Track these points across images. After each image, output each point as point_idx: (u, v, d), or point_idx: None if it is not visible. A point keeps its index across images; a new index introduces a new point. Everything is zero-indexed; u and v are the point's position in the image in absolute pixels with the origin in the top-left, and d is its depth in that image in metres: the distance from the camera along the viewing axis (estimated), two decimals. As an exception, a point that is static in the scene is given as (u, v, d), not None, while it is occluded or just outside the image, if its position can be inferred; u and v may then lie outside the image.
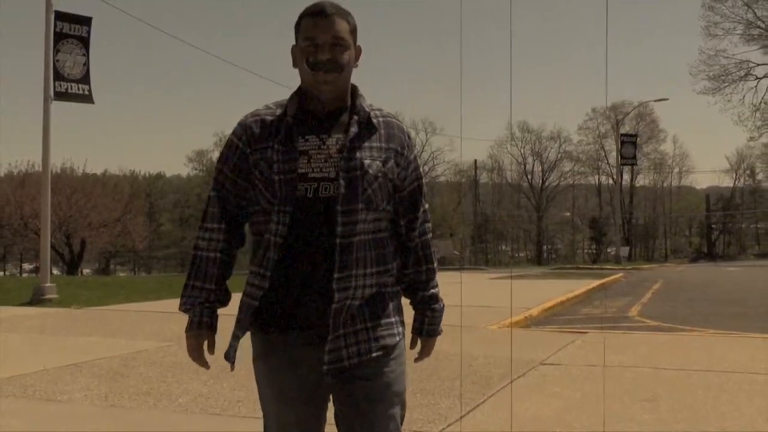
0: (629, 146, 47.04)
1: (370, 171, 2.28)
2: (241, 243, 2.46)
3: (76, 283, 20.43)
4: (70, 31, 14.57)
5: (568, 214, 76.18)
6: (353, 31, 2.36)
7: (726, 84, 51.04)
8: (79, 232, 36.98)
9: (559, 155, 72.65)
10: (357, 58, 2.39)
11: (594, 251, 70.53)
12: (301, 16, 2.34)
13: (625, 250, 51.09)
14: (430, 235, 2.55)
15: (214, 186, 2.43)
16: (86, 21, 14.87)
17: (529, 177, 73.26)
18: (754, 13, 49.25)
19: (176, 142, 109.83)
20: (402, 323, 2.43)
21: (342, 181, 2.25)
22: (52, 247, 26.48)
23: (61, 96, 14.42)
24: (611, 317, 13.00)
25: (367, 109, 2.37)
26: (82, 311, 12.64)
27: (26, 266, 50.94)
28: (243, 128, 2.37)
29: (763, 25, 49.27)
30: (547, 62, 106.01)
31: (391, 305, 2.39)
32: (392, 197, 2.39)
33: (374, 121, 2.36)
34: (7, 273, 48.68)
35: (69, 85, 14.51)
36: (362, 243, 2.29)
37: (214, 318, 2.39)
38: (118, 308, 13.12)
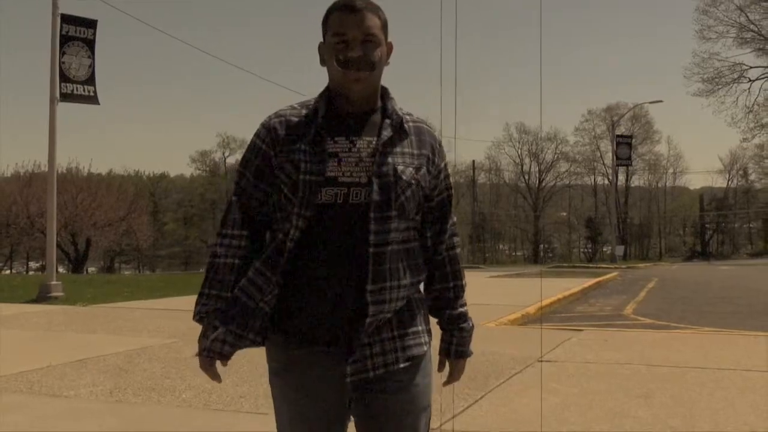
0: (624, 147, 47.11)
1: (404, 177, 2.11)
2: (262, 252, 2.23)
3: (81, 281, 20.44)
4: (76, 34, 14.59)
5: (565, 213, 76.19)
6: (384, 27, 2.17)
7: (719, 86, 51.16)
8: (85, 231, 37.02)
9: (555, 156, 72.82)
10: (388, 54, 2.21)
11: (590, 250, 70.58)
12: (329, 11, 2.16)
13: (620, 249, 51.01)
14: (458, 250, 2.34)
15: (235, 191, 2.22)
16: (91, 23, 14.89)
17: (526, 177, 73.37)
18: (747, 17, 49.32)
19: (180, 143, 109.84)
20: (429, 332, 2.26)
21: (375, 187, 2.06)
22: (58, 245, 26.47)
23: (66, 97, 14.44)
24: (607, 315, 13.01)
25: (400, 113, 2.20)
26: (87, 309, 12.64)
27: (32, 264, 50.89)
28: (267, 130, 2.17)
29: (755, 29, 49.33)
30: (545, 64, 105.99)
31: (418, 312, 2.22)
32: (422, 207, 2.21)
33: (405, 126, 2.18)
34: (14, 271, 48.67)
35: (74, 86, 14.53)
36: (395, 253, 2.11)
37: None
38: (123, 306, 13.12)
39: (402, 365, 2.14)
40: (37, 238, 34.88)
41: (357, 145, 2.11)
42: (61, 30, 14.35)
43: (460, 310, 2.31)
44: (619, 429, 4.89)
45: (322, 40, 2.20)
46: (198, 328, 2.22)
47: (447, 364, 2.36)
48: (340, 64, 2.10)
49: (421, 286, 2.28)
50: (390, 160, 2.10)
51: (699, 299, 16.18)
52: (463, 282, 2.34)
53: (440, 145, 2.27)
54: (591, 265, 42.03)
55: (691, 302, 15.47)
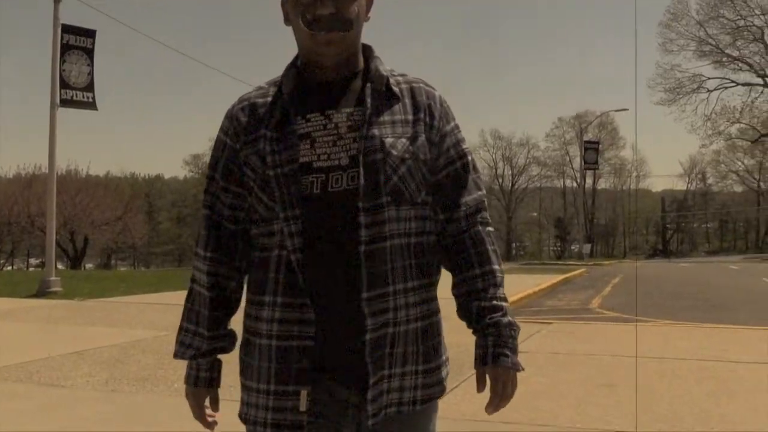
0: (592, 152, 47.31)
1: (394, 152, 1.58)
2: (247, 269, 1.72)
3: (79, 276, 20.29)
4: (76, 43, 14.49)
5: (536, 214, 76.55)
6: None
7: (680, 96, 51.73)
8: (83, 229, 36.74)
9: (527, 160, 73.25)
10: (368, 7, 1.68)
11: (559, 248, 71.00)
12: None
13: (587, 248, 51.37)
14: (488, 228, 1.74)
15: (204, 200, 1.72)
16: (91, 33, 14.79)
17: (500, 180, 73.65)
18: (706, 32, 49.85)
19: (174, 146, 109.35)
20: (446, 362, 1.76)
21: (361, 169, 1.55)
22: (57, 243, 26.22)
23: (66, 103, 14.33)
24: (574, 309, 13.07)
25: (385, 73, 1.66)
26: (84, 303, 12.54)
27: (33, 261, 50.41)
28: (229, 120, 1.68)
29: (713, 43, 49.87)
30: (522, 73, 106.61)
31: (440, 338, 1.73)
32: (429, 184, 1.66)
33: (395, 89, 1.65)
34: (15, 267, 48.20)
35: (74, 92, 14.42)
36: (397, 249, 1.58)
37: (213, 371, 1.77)
38: (119, 300, 13.03)
39: (418, 408, 1.65)
40: (37, 236, 34.55)
41: (334, 120, 1.60)
42: (61, 39, 14.25)
43: (494, 302, 1.66)
44: (585, 416, 4.92)
45: None
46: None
47: (487, 378, 1.68)
48: (307, 24, 1.59)
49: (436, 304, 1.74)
50: (376, 132, 1.58)
51: (660, 294, 16.30)
52: (496, 267, 1.69)
53: (442, 105, 1.71)
54: (560, 262, 42.25)
55: (652, 297, 15.58)
